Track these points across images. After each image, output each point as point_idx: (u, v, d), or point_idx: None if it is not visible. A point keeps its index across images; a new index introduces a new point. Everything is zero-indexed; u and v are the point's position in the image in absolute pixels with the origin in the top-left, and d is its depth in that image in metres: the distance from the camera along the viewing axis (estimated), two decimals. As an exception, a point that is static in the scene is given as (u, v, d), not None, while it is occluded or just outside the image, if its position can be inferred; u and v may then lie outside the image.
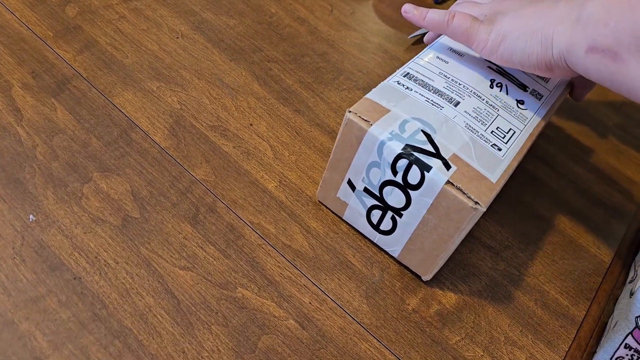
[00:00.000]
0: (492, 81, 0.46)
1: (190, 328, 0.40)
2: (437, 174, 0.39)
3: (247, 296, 0.42)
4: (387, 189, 0.42)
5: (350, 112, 0.41)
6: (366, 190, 0.44)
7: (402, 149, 0.39)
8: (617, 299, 0.50)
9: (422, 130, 0.41)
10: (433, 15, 0.46)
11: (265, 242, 0.46)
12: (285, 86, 0.57)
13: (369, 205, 0.44)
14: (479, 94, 0.45)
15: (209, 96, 0.54)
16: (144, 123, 0.50)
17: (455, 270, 0.48)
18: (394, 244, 0.45)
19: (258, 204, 0.48)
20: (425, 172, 0.39)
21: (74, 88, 0.51)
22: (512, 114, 0.45)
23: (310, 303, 0.43)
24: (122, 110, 0.50)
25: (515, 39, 0.41)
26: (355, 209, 0.46)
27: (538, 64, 0.41)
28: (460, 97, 0.44)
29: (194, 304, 0.41)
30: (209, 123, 0.52)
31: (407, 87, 0.43)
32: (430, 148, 0.40)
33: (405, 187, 0.41)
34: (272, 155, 0.51)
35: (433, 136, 0.40)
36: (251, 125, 0.53)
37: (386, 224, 0.44)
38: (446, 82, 0.45)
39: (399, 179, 0.40)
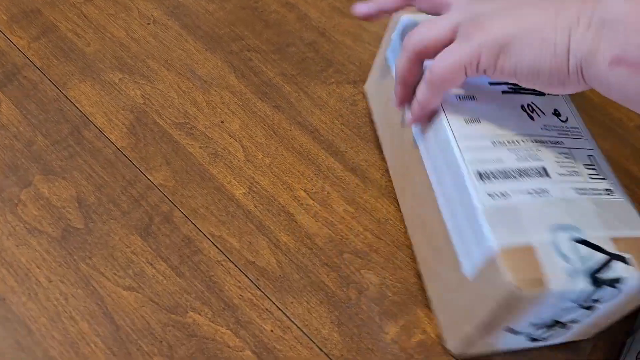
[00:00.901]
0: (522, 108, 0.39)
1: (128, 359, 0.35)
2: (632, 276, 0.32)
3: (199, 322, 0.37)
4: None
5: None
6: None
7: (591, 284, 0.32)
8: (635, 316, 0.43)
9: (575, 240, 0.33)
10: (424, 93, 0.37)
11: (225, 258, 0.40)
12: (266, 79, 0.51)
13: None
14: (538, 137, 0.37)
15: (177, 90, 0.48)
16: (100, 119, 0.45)
17: (445, 294, 0.42)
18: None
19: (222, 214, 0.42)
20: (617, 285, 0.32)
21: (24, 79, 0.46)
22: (568, 134, 0.38)
23: (272, 331, 0.38)
24: (76, 105, 0.45)
25: (519, 50, 0.32)
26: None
27: (550, 79, 0.32)
28: (536, 159, 0.36)
29: (136, 330, 0.36)
30: (174, 120, 0.46)
31: (504, 194, 0.34)
32: (602, 257, 0.33)
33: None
34: (243, 158, 0.45)
35: (585, 236, 0.33)
36: (222, 122, 0.47)
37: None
38: (511, 151, 0.36)
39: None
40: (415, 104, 0.38)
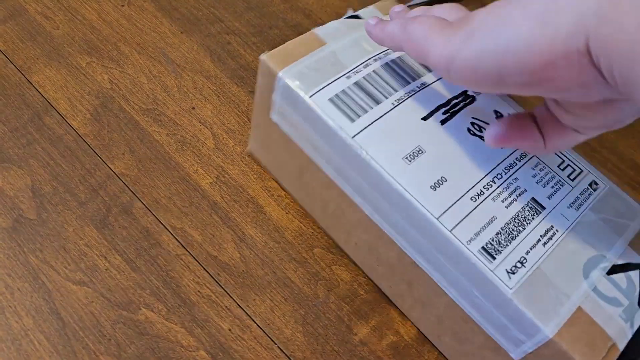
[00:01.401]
0: (469, 132, 0.33)
1: (73, 358, 0.33)
2: None
3: (152, 319, 0.35)
4: None
5: None
6: None
7: None
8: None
9: (607, 273, 0.31)
10: (391, 27, 0.31)
11: (185, 251, 0.38)
12: (244, 63, 0.49)
13: None
14: (503, 161, 0.33)
15: (147, 74, 0.46)
16: (63, 105, 0.43)
17: (422, 292, 0.39)
18: None
19: (185, 205, 0.40)
20: None
21: (-13, 63, 0.44)
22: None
23: (230, 330, 0.35)
24: (39, 90, 0.43)
25: (491, 28, 0.24)
26: None
27: (538, 64, 0.22)
28: (519, 191, 0.32)
29: (83, 327, 0.34)
30: (141, 106, 0.44)
31: (522, 262, 0.30)
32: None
33: None
34: (212, 146, 0.43)
35: (610, 259, 0.31)
36: (193, 109, 0.45)
37: None
38: (493, 197, 0.31)
39: None
40: (383, 24, 0.32)
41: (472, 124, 0.34)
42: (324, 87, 0.33)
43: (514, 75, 0.23)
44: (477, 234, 0.30)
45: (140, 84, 0.45)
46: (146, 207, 0.39)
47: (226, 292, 0.36)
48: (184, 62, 0.47)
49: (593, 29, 0.20)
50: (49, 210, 0.38)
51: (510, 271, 0.29)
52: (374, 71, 0.34)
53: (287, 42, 0.35)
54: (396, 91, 0.34)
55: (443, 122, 0.33)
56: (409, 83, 0.34)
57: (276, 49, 0.35)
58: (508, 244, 0.30)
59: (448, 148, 0.32)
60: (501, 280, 0.29)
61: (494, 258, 0.29)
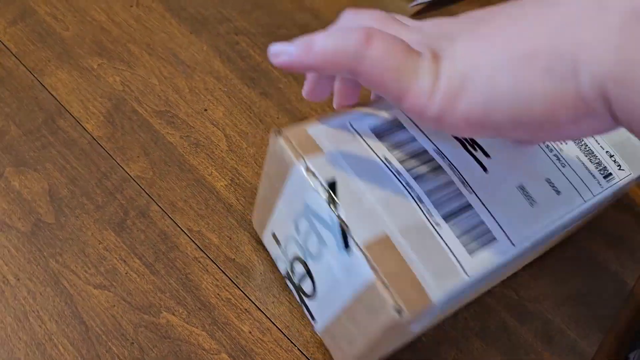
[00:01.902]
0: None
1: (97, 362, 0.33)
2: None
3: (173, 323, 0.35)
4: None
5: None
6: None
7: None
8: (637, 330, 0.41)
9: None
10: (330, 41, 0.23)
11: (204, 254, 0.38)
12: (254, 64, 0.49)
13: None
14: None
15: (158, 75, 0.46)
16: (76, 108, 0.43)
17: (437, 292, 0.39)
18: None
19: (201, 207, 0.40)
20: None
21: (-2, 66, 0.44)
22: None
23: (250, 332, 0.36)
24: (52, 93, 0.43)
25: (488, 78, 0.21)
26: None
27: (551, 113, 0.20)
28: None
29: (106, 331, 0.34)
30: (154, 108, 0.44)
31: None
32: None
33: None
34: (226, 147, 0.43)
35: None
36: (205, 110, 0.45)
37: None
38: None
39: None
40: (307, 42, 0.24)
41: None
42: None
43: (523, 129, 0.21)
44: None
45: (151, 86, 0.45)
46: (163, 210, 0.39)
47: (245, 294, 0.37)
48: (194, 63, 0.47)
49: (616, 90, 0.19)
50: (67, 214, 0.38)
51: None
52: None
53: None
54: None
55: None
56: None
57: None
58: None
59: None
60: None
61: None
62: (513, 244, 0.28)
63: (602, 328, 0.40)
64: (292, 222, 0.31)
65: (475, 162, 0.30)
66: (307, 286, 0.33)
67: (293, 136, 0.28)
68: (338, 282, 0.29)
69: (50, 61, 0.45)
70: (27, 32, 0.46)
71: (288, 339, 0.36)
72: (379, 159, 0.29)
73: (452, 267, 0.26)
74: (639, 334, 0.41)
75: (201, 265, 0.37)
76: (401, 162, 0.29)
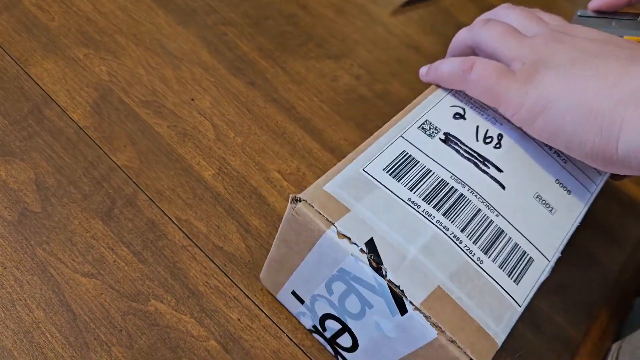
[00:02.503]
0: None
1: (85, 349, 0.33)
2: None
3: (161, 310, 0.35)
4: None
5: None
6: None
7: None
8: (622, 319, 0.41)
9: None
10: (446, 67, 0.34)
11: (191, 243, 0.38)
12: (241, 54, 0.49)
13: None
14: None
15: (145, 66, 0.46)
16: (62, 98, 0.43)
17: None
18: None
19: (189, 196, 0.40)
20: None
21: (-17, 56, 0.44)
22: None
23: (239, 320, 0.36)
24: (38, 83, 0.43)
25: (562, 114, 0.28)
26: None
27: (593, 155, 0.28)
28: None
29: (94, 319, 0.34)
30: (141, 98, 0.44)
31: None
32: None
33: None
34: (213, 137, 0.43)
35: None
36: (193, 100, 0.45)
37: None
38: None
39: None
40: (435, 67, 0.35)
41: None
42: None
43: (577, 156, 0.30)
44: None
45: (138, 76, 0.45)
46: (150, 199, 0.39)
47: (233, 282, 0.37)
48: (181, 54, 0.47)
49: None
50: (54, 204, 0.38)
51: None
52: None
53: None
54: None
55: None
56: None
57: None
58: None
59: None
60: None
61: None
62: (547, 259, 0.29)
63: (589, 315, 0.41)
64: (321, 283, 0.30)
65: (491, 180, 0.30)
66: (345, 341, 0.32)
67: (313, 200, 0.27)
68: (390, 340, 0.28)
69: (36, 51, 0.45)
70: (13, 22, 0.46)
71: (276, 325, 0.36)
72: (405, 203, 0.28)
73: (505, 302, 0.27)
74: (624, 322, 0.42)
75: (189, 254, 0.37)
76: (427, 201, 0.28)
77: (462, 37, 0.37)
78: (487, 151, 0.31)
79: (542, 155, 0.33)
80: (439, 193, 0.29)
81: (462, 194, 0.29)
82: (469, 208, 0.29)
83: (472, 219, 0.28)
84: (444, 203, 0.29)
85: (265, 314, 0.36)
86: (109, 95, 0.43)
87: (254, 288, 0.37)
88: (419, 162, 0.30)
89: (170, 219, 0.39)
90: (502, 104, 0.31)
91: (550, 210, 0.30)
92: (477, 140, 0.32)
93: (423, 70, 0.36)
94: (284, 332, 0.36)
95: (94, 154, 0.40)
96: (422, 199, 0.28)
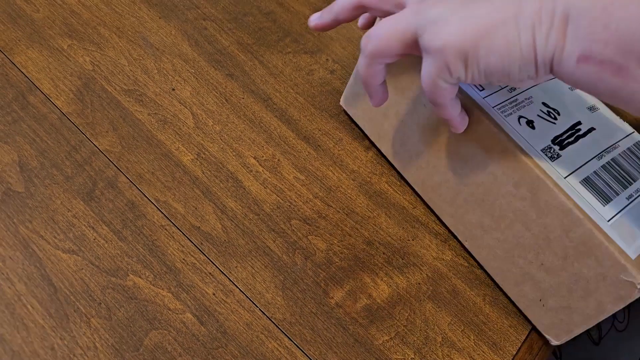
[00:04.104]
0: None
1: (65, 321, 0.35)
2: None
3: (139, 285, 0.37)
4: None
5: None
6: None
7: None
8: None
9: None
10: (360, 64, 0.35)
11: (170, 222, 0.40)
12: (220, 47, 0.51)
13: None
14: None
15: (128, 57, 0.48)
16: (46, 85, 0.44)
17: (392, 259, 0.42)
18: None
19: (168, 179, 0.42)
20: None
21: (-31, 44, 0.45)
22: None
23: (214, 294, 0.37)
24: (22, 70, 0.44)
25: (485, 55, 0.29)
26: None
27: (521, 77, 0.30)
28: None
29: (74, 292, 0.36)
30: (123, 87, 0.46)
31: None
32: None
33: None
34: (192, 125, 0.45)
35: None
36: (173, 90, 0.47)
37: None
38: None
39: None
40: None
41: None
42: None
43: (509, 82, 0.31)
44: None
45: (121, 66, 0.47)
46: (130, 181, 0.41)
47: (209, 259, 0.39)
48: (163, 46, 0.49)
49: (554, 63, 0.29)
50: (37, 184, 0.39)
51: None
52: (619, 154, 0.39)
53: None
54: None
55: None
56: None
57: None
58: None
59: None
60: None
61: None
62: None
63: (547, 293, 0.43)
64: None
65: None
66: None
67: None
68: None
69: (20, 41, 0.46)
70: (-2, 13, 0.47)
71: (250, 300, 0.38)
72: None
73: None
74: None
75: (167, 233, 0.39)
76: None
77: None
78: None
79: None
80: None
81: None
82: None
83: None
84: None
85: (239, 289, 0.38)
86: (92, 83, 0.45)
87: (230, 265, 0.39)
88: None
89: (149, 200, 0.40)
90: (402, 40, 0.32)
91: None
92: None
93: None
94: (257, 307, 0.38)
95: (77, 139, 0.42)
96: None
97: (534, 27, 0.28)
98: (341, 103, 0.48)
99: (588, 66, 0.27)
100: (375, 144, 0.47)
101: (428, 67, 0.31)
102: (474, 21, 0.29)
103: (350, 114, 0.48)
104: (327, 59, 0.53)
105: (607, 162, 0.37)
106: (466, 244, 0.42)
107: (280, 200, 0.43)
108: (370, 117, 0.46)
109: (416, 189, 0.44)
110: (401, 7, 0.34)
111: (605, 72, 0.27)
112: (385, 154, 0.46)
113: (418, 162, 0.42)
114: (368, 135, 0.47)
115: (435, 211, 0.43)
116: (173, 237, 0.39)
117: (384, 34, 0.32)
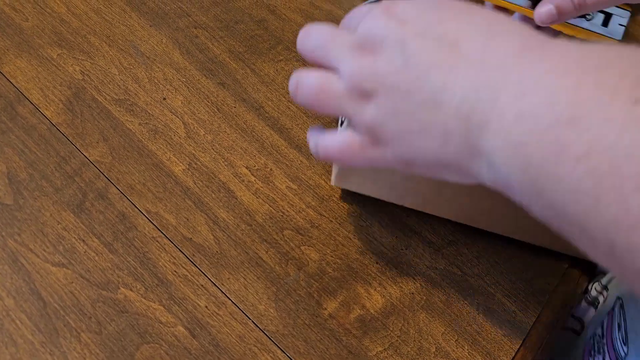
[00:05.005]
0: None
1: (55, 335, 0.34)
2: None
3: (131, 298, 0.36)
4: None
5: None
6: None
7: None
8: (572, 306, 0.44)
9: None
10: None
11: (161, 234, 0.39)
12: (212, 56, 0.50)
13: None
14: None
15: (118, 66, 0.47)
16: (36, 95, 0.44)
17: (385, 270, 0.41)
18: None
19: (159, 190, 0.41)
20: None
21: (-43, 54, 0.45)
22: None
23: (206, 307, 0.37)
24: (11, 80, 0.44)
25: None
26: None
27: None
28: None
29: (64, 306, 0.35)
30: (113, 96, 0.45)
31: None
32: None
33: None
34: (184, 134, 0.45)
35: None
36: (164, 99, 0.46)
37: None
38: None
39: None
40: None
41: None
42: None
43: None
44: None
45: (111, 75, 0.46)
46: (121, 192, 0.40)
47: (201, 271, 0.38)
48: (154, 55, 0.49)
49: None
50: (26, 196, 0.39)
51: None
52: None
53: None
54: None
55: None
56: None
57: None
58: None
59: None
60: None
61: None
62: None
63: (540, 302, 0.43)
64: None
65: None
66: None
67: None
68: None
69: (9, 50, 0.46)
70: (-13, 22, 0.47)
71: (242, 312, 0.37)
72: None
73: None
74: (572, 308, 0.44)
75: (159, 244, 0.39)
76: None
77: None
78: None
79: None
80: None
81: None
82: None
83: None
84: None
85: (231, 301, 0.38)
86: (82, 93, 0.45)
87: (222, 277, 0.38)
88: None
89: (140, 211, 0.40)
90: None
91: None
92: None
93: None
94: (250, 319, 0.37)
95: (66, 150, 0.41)
96: None
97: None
98: (333, 184, 0.42)
99: None
100: (398, 203, 0.42)
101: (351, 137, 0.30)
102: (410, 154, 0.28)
103: (350, 189, 0.42)
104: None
105: None
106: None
107: (273, 210, 0.42)
108: (375, 180, 0.41)
109: (453, 220, 0.43)
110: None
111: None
112: (414, 207, 0.43)
113: (461, 198, 0.41)
114: (385, 199, 0.42)
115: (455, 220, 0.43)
116: (164, 249, 0.39)
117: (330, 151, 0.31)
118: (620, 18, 0.41)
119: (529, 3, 0.40)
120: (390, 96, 0.27)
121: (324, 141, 0.31)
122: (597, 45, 0.23)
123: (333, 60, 0.29)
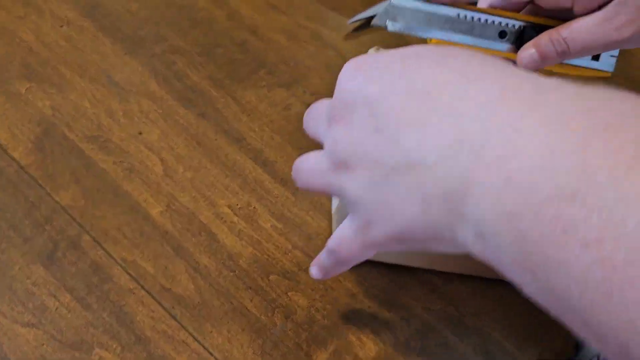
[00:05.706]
0: None
1: (24, 406, 0.32)
2: None
3: (106, 359, 0.34)
4: None
5: None
6: None
7: None
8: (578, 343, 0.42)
9: None
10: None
11: (138, 285, 0.37)
12: (191, 84, 0.48)
13: None
14: None
15: (91, 98, 0.45)
16: (3, 135, 0.41)
17: (379, 314, 0.39)
18: None
19: (135, 236, 0.39)
20: None
21: None
22: None
23: (187, 365, 0.35)
24: (-24, 119, 0.41)
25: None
26: None
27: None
28: None
29: (34, 372, 0.33)
30: (86, 133, 0.43)
31: None
32: None
33: None
34: (161, 172, 0.42)
35: None
36: (140, 134, 0.44)
37: None
38: None
39: None
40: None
41: None
42: None
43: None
44: None
45: (83, 109, 0.44)
46: (95, 240, 0.38)
47: (182, 325, 0.36)
48: (129, 85, 0.46)
49: None
50: (-8, 249, 0.36)
51: None
52: None
53: None
54: None
55: None
56: None
57: None
58: None
59: None
60: None
61: None
62: None
63: (539, 339, 0.41)
64: None
65: None
66: None
67: None
68: None
69: (-27, 86, 0.43)
70: (-51, 55, 0.44)
71: (227, 369, 0.35)
72: None
73: None
74: (577, 346, 0.42)
75: (136, 297, 0.36)
76: None
77: None
78: None
79: None
80: None
81: None
82: None
83: None
84: None
85: (215, 357, 0.35)
86: (52, 130, 0.42)
87: (204, 330, 0.36)
88: None
89: (115, 260, 0.38)
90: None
91: None
92: None
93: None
94: (235, 376, 0.35)
95: (36, 195, 0.39)
96: None
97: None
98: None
99: None
100: (407, 265, 0.41)
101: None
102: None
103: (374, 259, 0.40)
104: (304, 91, 0.51)
105: None
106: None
107: (257, 254, 0.40)
108: None
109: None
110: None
111: None
112: (425, 267, 0.41)
113: None
114: (394, 262, 0.40)
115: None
116: (142, 302, 0.36)
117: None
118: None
119: (512, 47, 0.38)
120: (365, 165, 0.24)
121: (327, 248, 0.30)
122: (604, 93, 0.20)
123: (320, 135, 0.27)
